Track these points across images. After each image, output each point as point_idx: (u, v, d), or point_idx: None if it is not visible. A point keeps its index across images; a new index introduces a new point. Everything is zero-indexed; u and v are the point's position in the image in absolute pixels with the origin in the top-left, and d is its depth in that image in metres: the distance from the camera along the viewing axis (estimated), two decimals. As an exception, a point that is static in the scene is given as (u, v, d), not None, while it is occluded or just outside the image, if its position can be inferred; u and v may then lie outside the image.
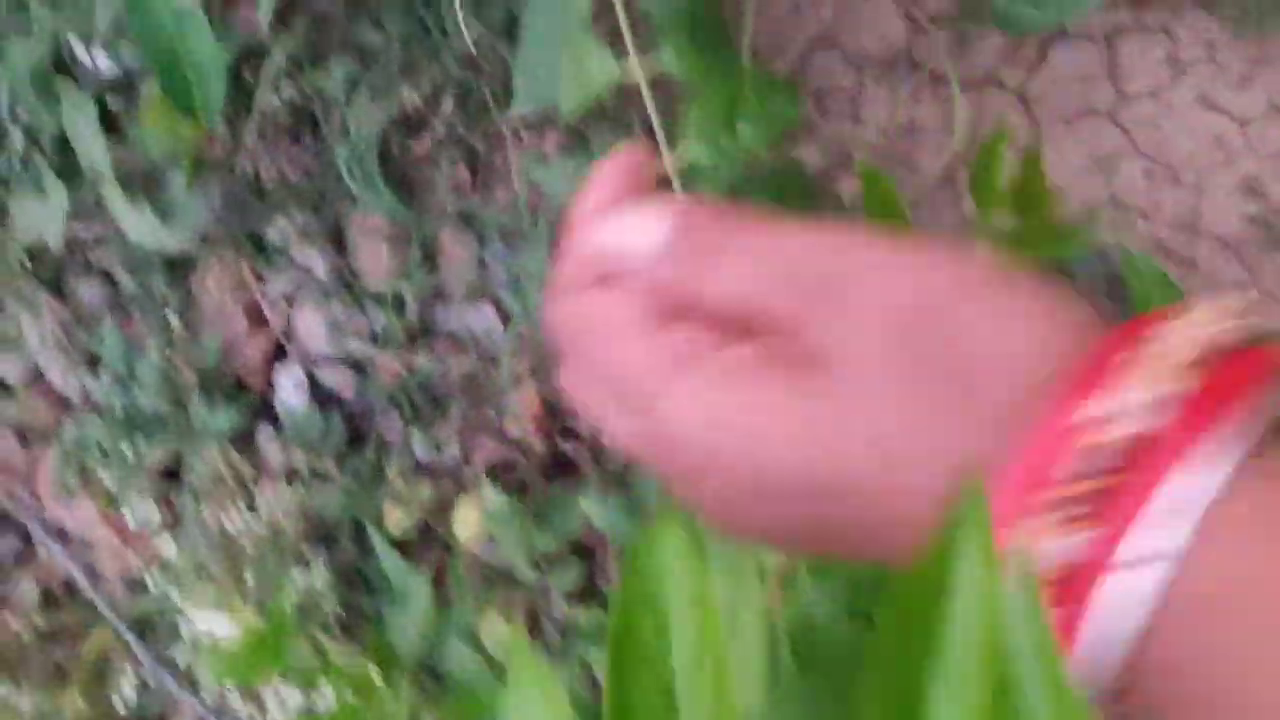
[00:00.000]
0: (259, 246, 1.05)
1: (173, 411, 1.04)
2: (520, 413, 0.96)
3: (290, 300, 1.07)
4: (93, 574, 1.08)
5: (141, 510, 1.03)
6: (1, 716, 0.88)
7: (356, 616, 1.01)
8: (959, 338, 0.21)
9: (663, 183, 0.59)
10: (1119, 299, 0.87)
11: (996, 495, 0.19)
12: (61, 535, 1.10)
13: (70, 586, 1.09)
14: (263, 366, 1.10)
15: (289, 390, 1.08)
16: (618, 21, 0.59)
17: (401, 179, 1.00)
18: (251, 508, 1.01)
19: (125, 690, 1.08)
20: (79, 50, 1.00)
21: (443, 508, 0.99)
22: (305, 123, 1.01)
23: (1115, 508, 0.18)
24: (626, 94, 0.71)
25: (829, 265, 0.23)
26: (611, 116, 0.91)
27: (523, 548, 0.89)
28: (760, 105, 0.63)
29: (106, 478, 1.04)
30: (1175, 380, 0.18)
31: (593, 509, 0.85)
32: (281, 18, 0.95)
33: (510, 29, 0.91)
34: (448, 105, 0.97)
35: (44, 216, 0.99)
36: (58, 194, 0.96)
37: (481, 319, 1.00)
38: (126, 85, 0.93)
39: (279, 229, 1.03)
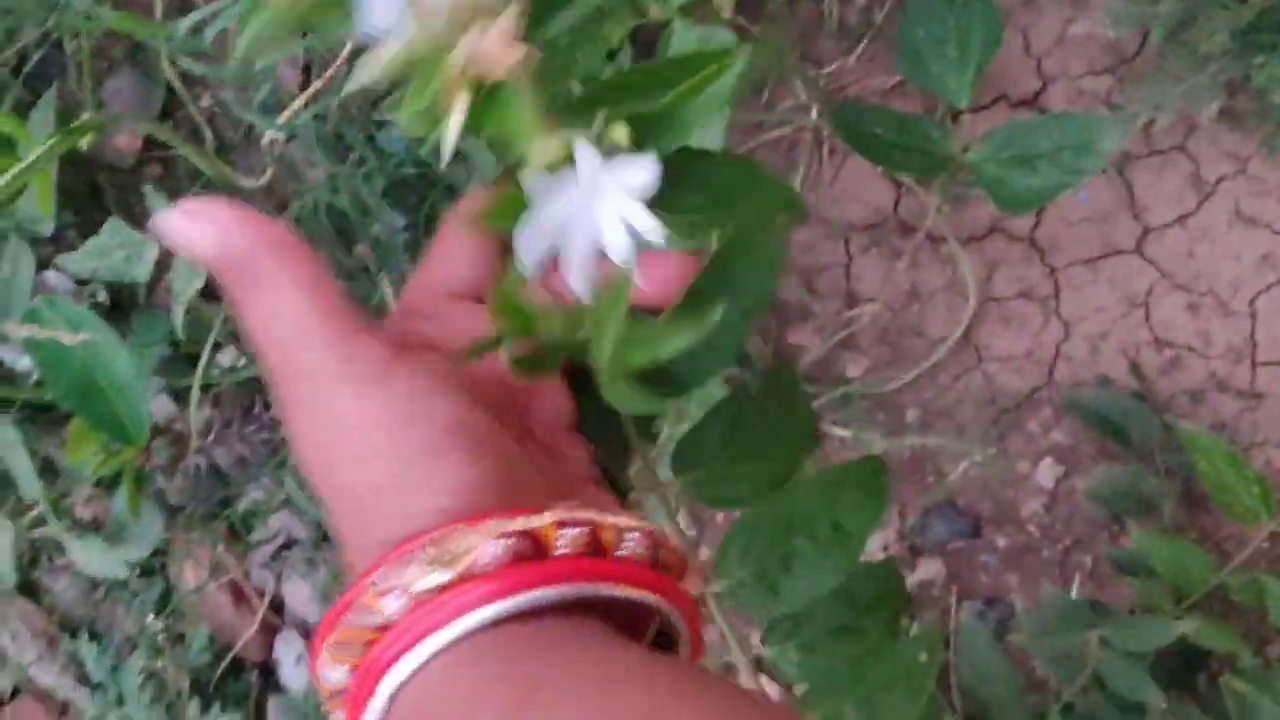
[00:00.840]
0: (231, 525, 0.96)
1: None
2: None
3: (276, 574, 0.98)
4: None
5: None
6: None
7: None
8: None
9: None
10: (1174, 452, 0.76)
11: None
12: None
13: None
14: (260, 639, 1.01)
15: (290, 666, 0.99)
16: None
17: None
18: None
19: None
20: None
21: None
22: (255, 389, 0.93)
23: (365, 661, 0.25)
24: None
25: None
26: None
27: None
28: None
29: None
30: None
31: None
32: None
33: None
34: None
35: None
36: (4, 532, 0.89)
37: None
38: (50, 405, 0.85)
39: (250, 499, 0.95)
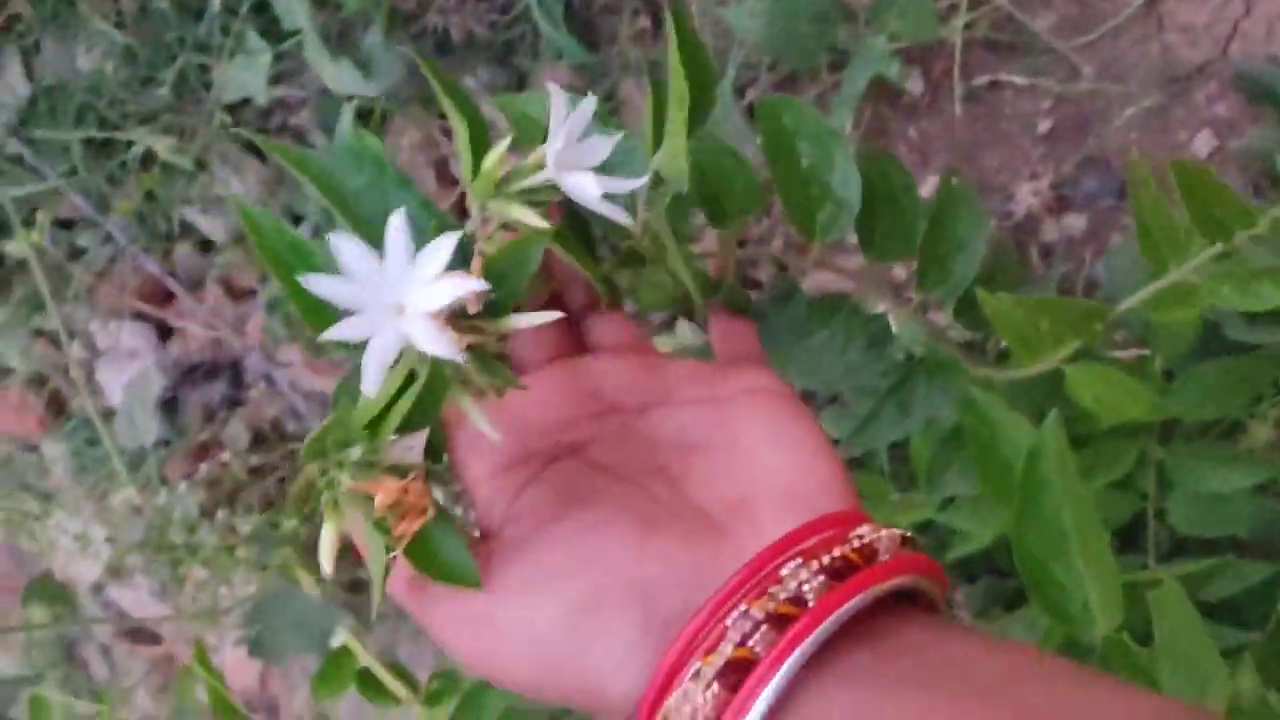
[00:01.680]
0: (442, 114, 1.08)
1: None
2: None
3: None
4: (298, 415, 1.15)
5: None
6: (225, 535, 0.97)
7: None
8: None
9: None
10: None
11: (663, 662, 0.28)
12: (269, 380, 1.17)
13: (278, 427, 1.17)
14: (460, 206, 1.13)
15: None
16: None
17: (585, 29, 1.01)
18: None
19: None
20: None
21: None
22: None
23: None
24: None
25: None
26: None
27: None
28: None
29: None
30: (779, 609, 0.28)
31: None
32: None
33: None
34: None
35: (248, 75, 1.04)
36: (262, 52, 1.01)
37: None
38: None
39: (466, 86, 1.06)
